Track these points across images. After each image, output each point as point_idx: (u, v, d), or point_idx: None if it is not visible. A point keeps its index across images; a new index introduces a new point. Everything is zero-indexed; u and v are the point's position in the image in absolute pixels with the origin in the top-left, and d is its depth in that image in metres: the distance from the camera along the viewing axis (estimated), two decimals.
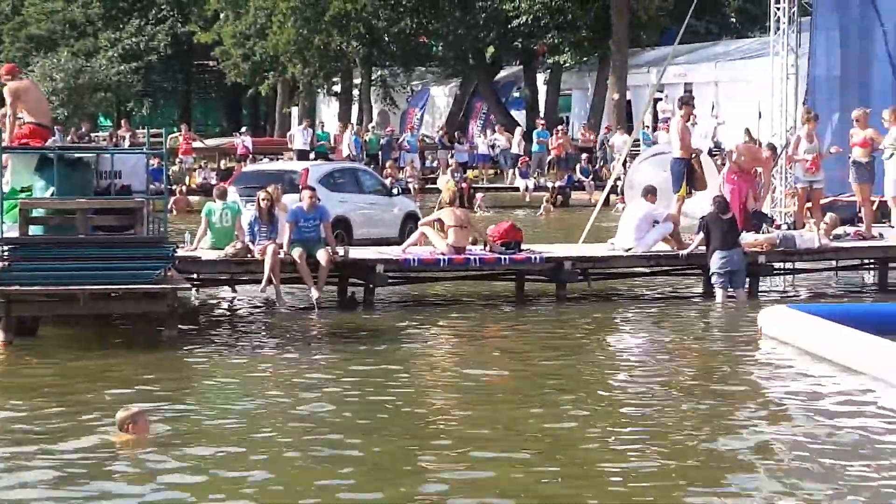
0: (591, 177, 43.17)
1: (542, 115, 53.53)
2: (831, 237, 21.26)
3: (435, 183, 43.84)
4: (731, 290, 19.46)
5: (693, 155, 21.30)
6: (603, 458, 10.51)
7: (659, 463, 10.35)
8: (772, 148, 24.03)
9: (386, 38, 57.98)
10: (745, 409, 12.43)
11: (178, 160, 42.72)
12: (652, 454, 10.62)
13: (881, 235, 22.03)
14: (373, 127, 50.74)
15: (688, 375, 14.22)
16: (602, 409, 12.49)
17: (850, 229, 22.35)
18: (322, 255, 18.83)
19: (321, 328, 17.47)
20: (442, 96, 63.28)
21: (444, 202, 20.45)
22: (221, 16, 61.14)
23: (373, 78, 60.08)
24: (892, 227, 21.95)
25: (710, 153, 34.23)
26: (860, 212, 22.82)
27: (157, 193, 19.25)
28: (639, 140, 39.79)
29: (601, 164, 44.59)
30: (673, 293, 21.04)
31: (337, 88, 61.27)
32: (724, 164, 22.88)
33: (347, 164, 33.10)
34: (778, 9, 27.36)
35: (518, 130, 47.92)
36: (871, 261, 22.11)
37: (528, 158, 45.01)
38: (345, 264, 19.34)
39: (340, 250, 19.44)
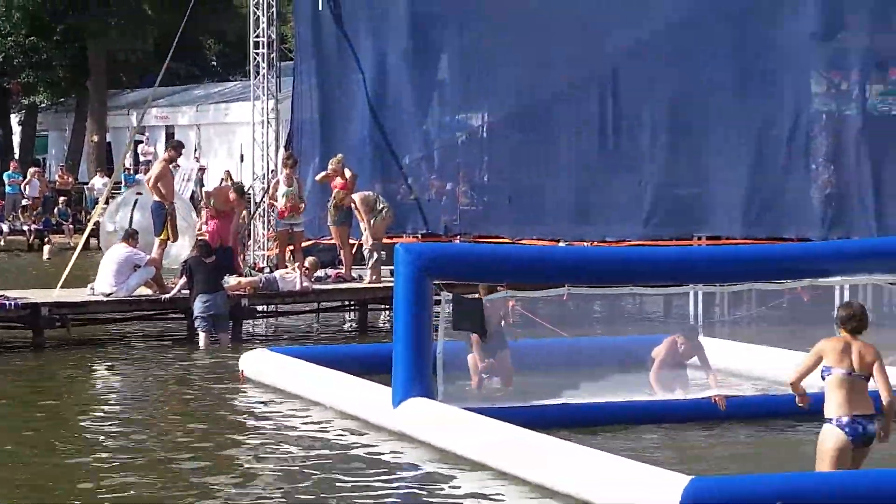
0: (70, 220, 42.19)
1: (16, 156, 51.88)
2: (313, 279, 21.55)
3: None
4: (215, 333, 19.34)
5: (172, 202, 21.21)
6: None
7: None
8: (238, 190, 23.86)
9: None
10: (226, 447, 12.50)
11: None
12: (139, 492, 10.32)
13: (360, 277, 22.53)
14: None
15: (169, 419, 14.00)
16: (80, 458, 12.01)
17: (331, 271, 22.75)
18: None
19: None
20: None
21: None
22: None
23: None
24: (370, 269, 22.43)
25: (192, 197, 34.09)
26: (340, 254, 23.27)
27: None
28: (120, 182, 39.16)
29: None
30: (156, 338, 20.69)
31: None
32: (205, 208, 22.94)
33: None
34: (258, 54, 27.59)
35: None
36: (352, 302, 22.59)
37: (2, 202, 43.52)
38: None
39: None
